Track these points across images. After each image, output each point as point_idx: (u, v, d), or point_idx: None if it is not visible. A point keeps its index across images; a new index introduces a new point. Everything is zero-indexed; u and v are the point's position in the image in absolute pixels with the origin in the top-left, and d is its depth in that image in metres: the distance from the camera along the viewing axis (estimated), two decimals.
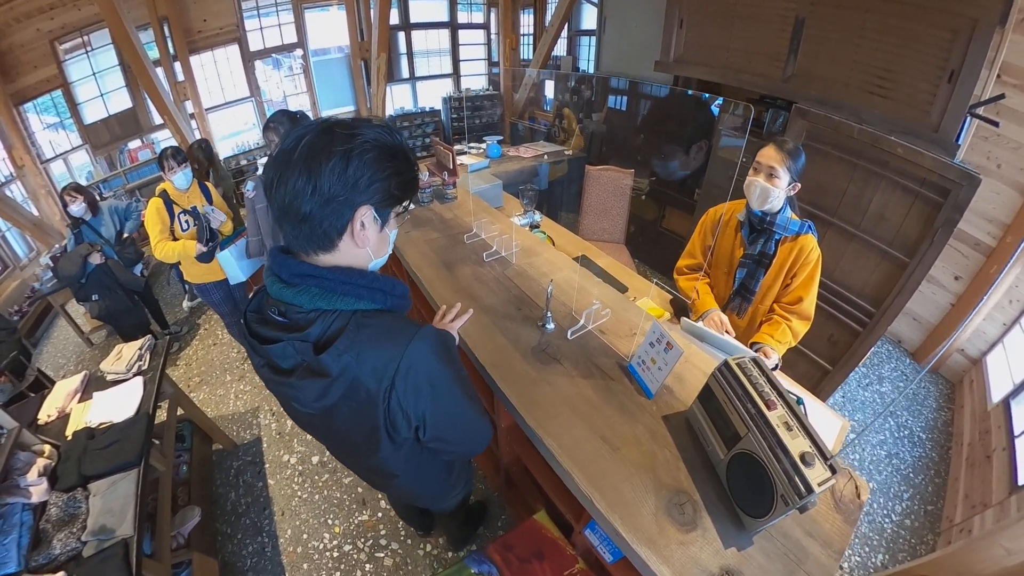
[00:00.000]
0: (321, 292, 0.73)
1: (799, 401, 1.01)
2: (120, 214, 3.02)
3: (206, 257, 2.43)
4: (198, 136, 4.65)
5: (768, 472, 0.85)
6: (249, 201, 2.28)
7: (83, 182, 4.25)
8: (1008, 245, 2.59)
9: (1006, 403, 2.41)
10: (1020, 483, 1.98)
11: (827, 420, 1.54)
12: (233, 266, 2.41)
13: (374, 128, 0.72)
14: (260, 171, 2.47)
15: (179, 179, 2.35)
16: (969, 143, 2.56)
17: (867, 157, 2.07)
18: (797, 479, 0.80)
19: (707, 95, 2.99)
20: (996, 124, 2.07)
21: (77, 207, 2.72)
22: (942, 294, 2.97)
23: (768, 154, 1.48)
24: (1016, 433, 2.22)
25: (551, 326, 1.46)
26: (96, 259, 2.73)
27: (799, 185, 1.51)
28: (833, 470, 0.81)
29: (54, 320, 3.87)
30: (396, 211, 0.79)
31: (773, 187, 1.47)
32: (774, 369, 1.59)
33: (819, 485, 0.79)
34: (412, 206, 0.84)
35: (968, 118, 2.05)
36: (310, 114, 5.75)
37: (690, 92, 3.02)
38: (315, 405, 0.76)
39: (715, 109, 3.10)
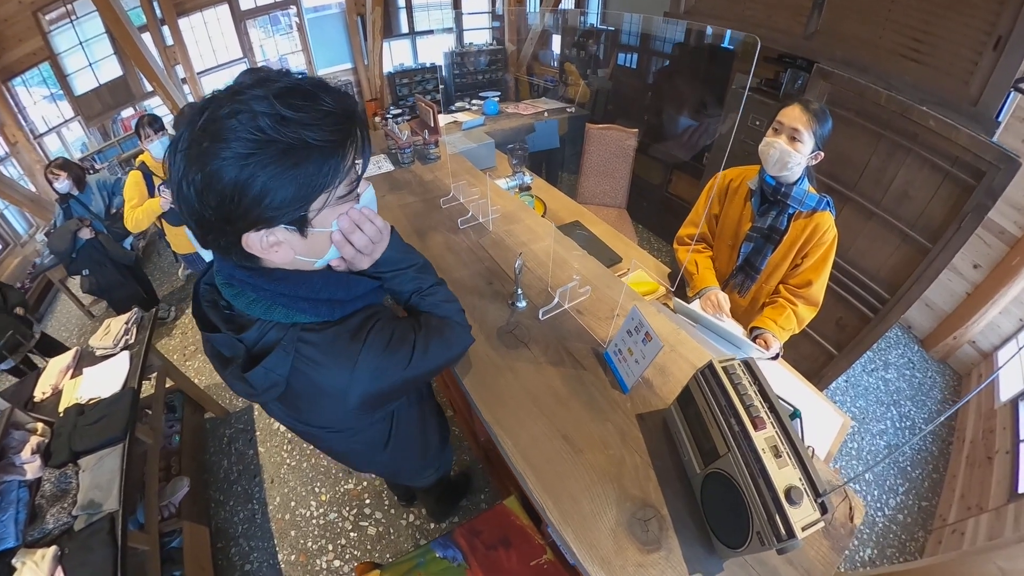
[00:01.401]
0: (256, 299, 0.61)
1: (795, 414, 0.84)
2: (108, 188, 2.83)
3: (173, 217, 2.29)
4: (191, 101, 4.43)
5: (746, 502, 0.69)
6: None
7: (78, 154, 4.09)
8: None
9: (1015, 403, 2.20)
10: (1020, 491, 1.81)
11: (827, 417, 1.37)
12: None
13: (235, 115, 0.48)
14: None
15: (156, 148, 2.20)
16: (1006, 123, 2.24)
17: (894, 128, 1.79)
18: (778, 518, 0.64)
19: (728, 44, 2.53)
20: None
21: (61, 184, 2.56)
22: (959, 282, 2.70)
23: (792, 114, 1.23)
24: (1023, 437, 2.02)
25: (522, 304, 1.27)
26: (86, 234, 2.59)
27: (822, 154, 1.28)
28: (824, 509, 0.65)
29: (56, 295, 3.81)
30: (317, 207, 0.56)
31: (794, 152, 1.24)
32: (774, 358, 1.41)
33: (803, 529, 0.63)
34: (358, 187, 0.61)
35: (1012, 93, 1.75)
36: (305, 73, 5.46)
37: (709, 30, 2.58)
38: (251, 399, 0.71)
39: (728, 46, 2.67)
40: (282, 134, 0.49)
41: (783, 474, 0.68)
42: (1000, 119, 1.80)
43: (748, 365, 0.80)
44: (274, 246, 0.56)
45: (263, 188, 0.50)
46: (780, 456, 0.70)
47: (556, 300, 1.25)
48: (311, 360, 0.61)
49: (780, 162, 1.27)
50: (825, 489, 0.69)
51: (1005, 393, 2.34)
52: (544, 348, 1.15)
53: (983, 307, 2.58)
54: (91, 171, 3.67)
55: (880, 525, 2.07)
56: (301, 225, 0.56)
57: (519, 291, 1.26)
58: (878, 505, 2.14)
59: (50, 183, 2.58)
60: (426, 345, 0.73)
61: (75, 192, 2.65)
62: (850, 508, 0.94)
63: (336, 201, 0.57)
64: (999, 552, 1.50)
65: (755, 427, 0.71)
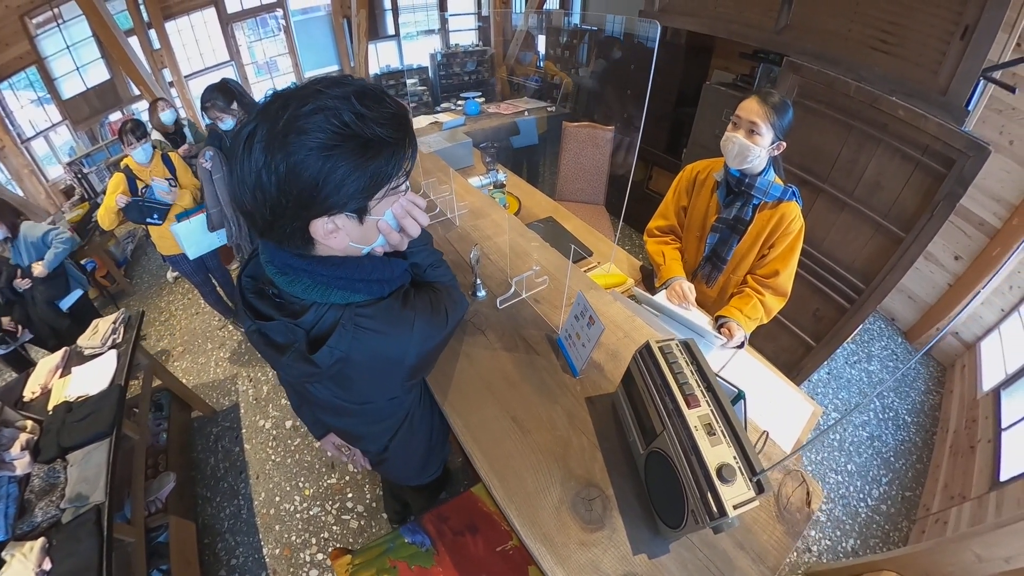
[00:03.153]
0: (313, 284, 0.65)
1: (739, 396, 0.83)
2: (35, 246, 2.35)
3: (134, 213, 2.21)
4: (178, 104, 4.41)
5: (680, 481, 0.68)
6: (205, 171, 2.11)
7: (65, 158, 4.03)
8: (1014, 227, 2.28)
9: (996, 393, 2.18)
10: (1001, 479, 1.79)
11: (796, 406, 1.36)
12: (185, 240, 2.27)
13: (320, 111, 0.52)
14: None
15: (139, 154, 2.18)
16: (981, 115, 2.22)
17: (864, 119, 1.78)
18: (709, 496, 0.63)
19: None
20: (1012, 90, 1.75)
21: None
22: (940, 273, 2.68)
23: (749, 107, 1.23)
24: (1004, 426, 2.00)
25: (482, 294, 1.28)
26: (23, 284, 2.32)
27: (784, 144, 1.27)
28: (760, 488, 0.64)
29: None
30: (379, 197, 0.61)
31: (753, 145, 1.23)
32: (740, 347, 1.40)
33: (735, 507, 0.61)
34: (405, 182, 0.65)
35: (981, 83, 1.74)
36: (292, 75, 5.44)
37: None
38: (303, 381, 0.75)
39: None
40: (361, 129, 0.54)
41: (716, 452, 0.67)
42: (970, 108, 1.78)
43: (687, 345, 0.79)
44: (333, 232, 0.60)
45: (343, 177, 0.54)
46: (714, 434, 0.68)
47: (513, 289, 1.25)
48: (374, 331, 0.66)
49: (740, 156, 1.26)
50: (762, 468, 0.68)
51: (987, 383, 2.31)
52: (500, 335, 1.15)
53: (965, 298, 2.55)
54: (95, 201, 3.48)
55: (863, 516, 2.05)
56: (361, 213, 0.61)
57: (478, 281, 1.27)
58: (860, 496, 2.12)
59: None
60: (448, 307, 0.82)
61: (10, 237, 2.31)
62: (807, 493, 0.92)
63: (391, 192, 0.62)
64: (976, 539, 1.48)
65: (688, 405, 0.70)
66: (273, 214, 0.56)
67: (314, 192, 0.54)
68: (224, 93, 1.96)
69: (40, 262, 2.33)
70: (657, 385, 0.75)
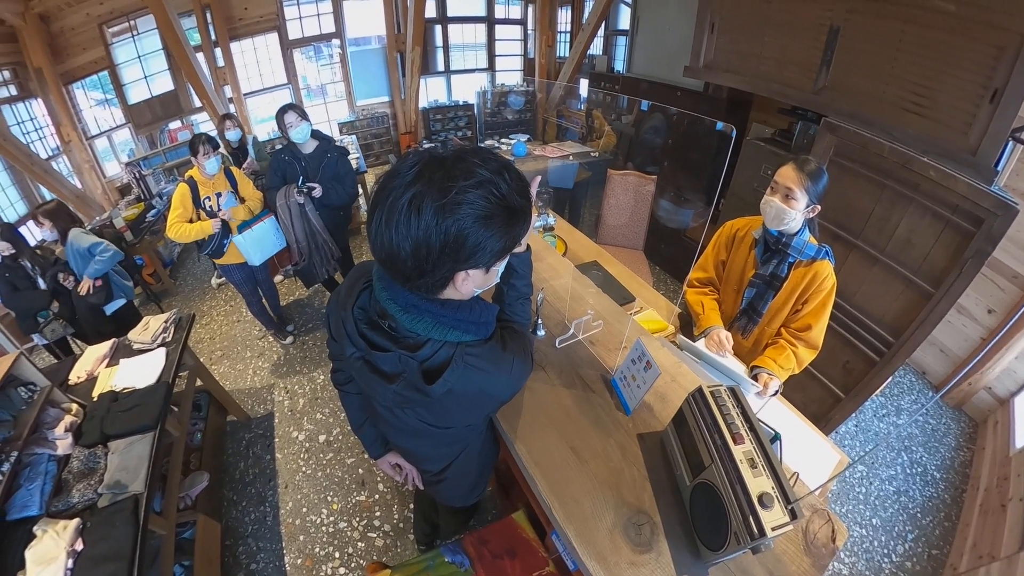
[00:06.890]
0: (434, 324, 0.77)
1: (775, 437, 0.98)
2: (81, 255, 2.41)
3: (214, 250, 2.50)
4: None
5: (725, 507, 0.83)
6: (298, 207, 2.47)
7: (124, 159, 4.41)
8: None
9: None
10: None
11: (823, 454, 1.48)
12: (252, 248, 2.51)
13: (483, 185, 0.65)
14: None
15: (211, 164, 2.42)
16: (1014, 168, 2.37)
17: (897, 178, 1.94)
18: (751, 519, 0.78)
19: (721, 125, 2.84)
20: None
21: (46, 233, 2.36)
22: (973, 327, 2.78)
23: (786, 174, 1.40)
24: None
25: (541, 333, 1.45)
26: (68, 282, 2.46)
27: (819, 207, 1.43)
28: (794, 515, 0.78)
29: None
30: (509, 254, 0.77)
31: (789, 208, 1.40)
32: (774, 395, 1.54)
33: (773, 529, 0.76)
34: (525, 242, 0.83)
35: (1010, 142, 1.89)
36: (344, 102, 5.87)
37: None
38: (401, 405, 0.87)
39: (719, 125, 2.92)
40: (509, 200, 0.68)
41: (757, 482, 0.82)
42: (999, 168, 1.93)
43: (733, 391, 0.95)
44: (465, 280, 0.73)
45: (494, 241, 0.69)
46: (756, 467, 0.84)
47: (572, 331, 1.42)
48: (480, 369, 0.80)
49: (777, 218, 1.44)
50: (796, 498, 0.83)
51: (1020, 440, 2.37)
52: (559, 372, 1.32)
53: (999, 352, 2.64)
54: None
55: (887, 571, 2.09)
56: (491, 265, 0.74)
57: (539, 321, 1.44)
58: (885, 551, 2.17)
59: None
60: (531, 351, 0.96)
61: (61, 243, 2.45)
62: (832, 531, 1.06)
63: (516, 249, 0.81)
64: None
65: (735, 441, 0.86)
66: (432, 267, 0.67)
67: (472, 252, 0.67)
68: (298, 111, 2.44)
69: (86, 279, 2.47)
70: (708, 424, 0.91)
